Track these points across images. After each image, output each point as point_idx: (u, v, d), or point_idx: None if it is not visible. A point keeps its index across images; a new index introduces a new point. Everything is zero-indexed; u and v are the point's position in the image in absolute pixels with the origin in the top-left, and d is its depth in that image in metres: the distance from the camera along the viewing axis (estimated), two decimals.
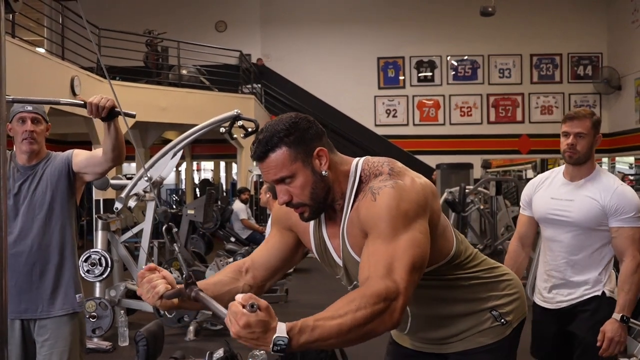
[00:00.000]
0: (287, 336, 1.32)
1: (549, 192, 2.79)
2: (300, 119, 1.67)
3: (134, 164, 14.52)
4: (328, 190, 1.68)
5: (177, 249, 2.91)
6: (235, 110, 5.74)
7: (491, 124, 15.59)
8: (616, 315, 2.58)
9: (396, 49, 15.61)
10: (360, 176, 1.69)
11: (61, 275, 2.70)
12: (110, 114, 2.47)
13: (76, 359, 2.71)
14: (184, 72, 11.92)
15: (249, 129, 5.85)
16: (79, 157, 2.75)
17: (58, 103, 2.59)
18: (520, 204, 2.98)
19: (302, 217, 1.73)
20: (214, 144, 15.13)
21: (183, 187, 19.23)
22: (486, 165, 14.79)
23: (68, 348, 2.66)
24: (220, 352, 3.97)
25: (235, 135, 6.09)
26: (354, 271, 1.76)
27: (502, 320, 1.88)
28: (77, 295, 2.75)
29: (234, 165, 23.29)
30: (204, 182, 18.31)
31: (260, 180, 13.80)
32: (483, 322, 1.88)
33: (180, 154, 6.04)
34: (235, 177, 21.76)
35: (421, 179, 1.68)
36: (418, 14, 15.41)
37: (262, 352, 4.31)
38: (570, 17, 15.22)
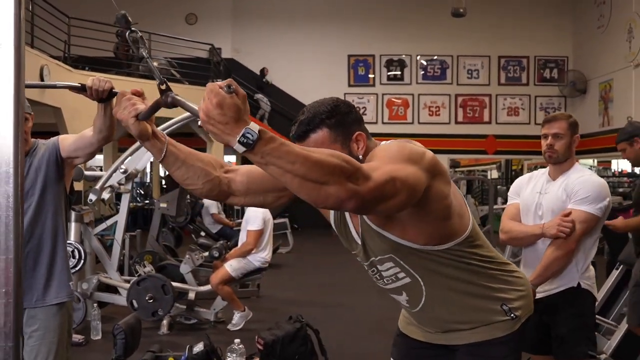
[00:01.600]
0: (257, 133, 1.28)
1: (535, 188, 2.94)
2: (342, 102, 1.73)
3: (101, 156, 14.30)
4: None
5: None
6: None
7: (459, 124, 15.80)
8: None
9: (367, 47, 15.71)
10: None
11: (54, 263, 2.67)
12: (109, 95, 2.46)
13: (64, 351, 2.67)
14: (155, 64, 11.77)
15: None
16: (66, 141, 2.72)
17: (54, 86, 2.57)
18: (509, 194, 3.09)
19: None
20: (180, 138, 14.89)
21: (148, 180, 19.02)
22: (455, 164, 14.99)
23: (57, 339, 2.63)
24: (200, 346, 3.96)
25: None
26: (374, 246, 1.82)
27: (512, 314, 1.91)
28: (70, 283, 2.73)
29: None
30: (171, 176, 18.14)
31: None
32: (494, 314, 1.91)
33: None
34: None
35: (425, 150, 1.70)
36: (389, 12, 15.52)
37: (240, 346, 4.32)
38: (537, 20, 15.50)
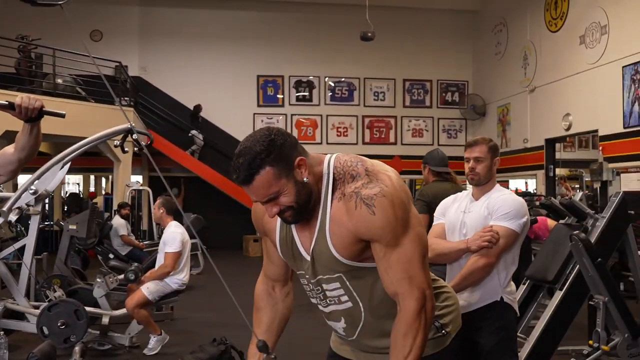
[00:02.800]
0: None
1: (460, 207, 3.07)
2: (275, 134, 1.71)
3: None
4: (310, 194, 1.76)
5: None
6: (130, 123, 5.61)
7: (366, 144, 16.13)
8: None
9: (276, 68, 15.81)
10: (334, 174, 1.79)
11: None
12: (39, 115, 2.38)
13: None
14: (59, 80, 11.41)
15: (142, 142, 5.74)
16: None
17: None
18: (435, 215, 3.20)
19: (287, 221, 1.81)
20: (87, 157, 14.53)
21: (46, 201, 18.26)
22: None
23: None
24: None
25: (127, 149, 5.93)
26: (325, 265, 1.84)
27: (443, 331, 1.97)
28: None
29: (103, 180, 22.48)
30: (73, 196, 17.50)
31: (135, 194, 13.44)
32: None
33: (67, 167, 5.81)
34: (104, 191, 20.99)
35: (390, 171, 1.81)
36: (298, 34, 15.72)
37: None
38: (440, 46, 16.11)
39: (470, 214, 2.99)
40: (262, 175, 1.67)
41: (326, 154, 1.86)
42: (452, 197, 3.22)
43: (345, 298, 1.90)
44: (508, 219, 2.88)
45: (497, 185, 3.08)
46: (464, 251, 2.92)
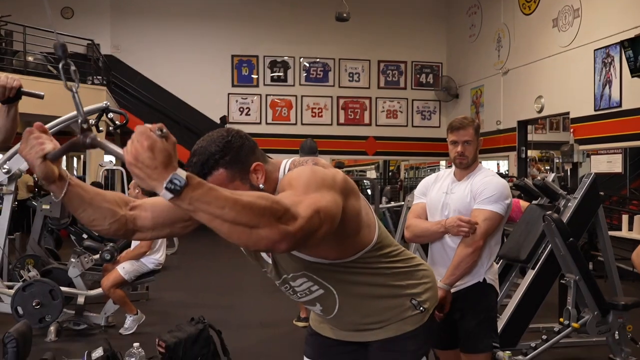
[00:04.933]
0: (185, 179, 1.28)
1: (442, 188, 3.08)
2: (233, 136, 1.67)
3: None
4: None
5: None
6: (104, 102, 5.57)
7: (340, 125, 16.15)
8: (441, 285, 2.84)
9: (250, 48, 15.72)
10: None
11: None
12: (17, 95, 2.34)
13: None
14: (30, 58, 11.21)
15: (117, 122, 5.70)
16: None
17: None
18: (416, 194, 3.22)
19: None
20: (55, 136, 14.27)
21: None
22: (340, 165, 15.31)
23: None
24: (99, 351, 3.86)
25: (102, 128, 5.90)
26: (286, 265, 1.83)
27: (421, 307, 2.00)
28: None
29: (75, 159, 22.20)
30: None
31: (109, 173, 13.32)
32: (405, 310, 1.99)
33: None
34: (75, 172, 20.73)
35: (338, 171, 1.76)
36: (273, 14, 15.62)
37: (140, 349, 4.24)
38: (415, 28, 16.17)
39: (453, 195, 3.00)
40: (214, 177, 1.62)
41: (283, 159, 1.80)
42: (433, 176, 3.22)
43: (315, 287, 1.90)
44: (492, 202, 2.90)
45: (480, 166, 3.09)
46: (442, 233, 2.95)
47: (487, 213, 2.89)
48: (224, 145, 1.64)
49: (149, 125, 1.30)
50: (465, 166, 3.02)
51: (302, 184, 1.59)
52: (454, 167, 3.10)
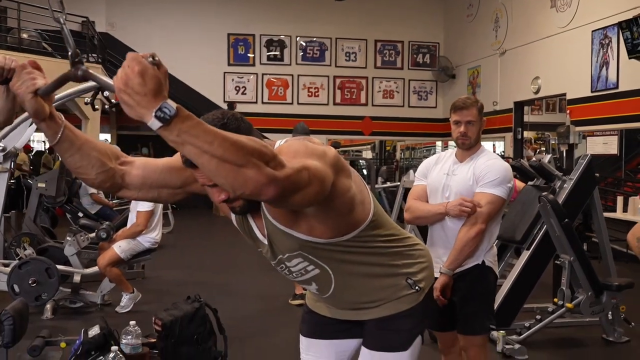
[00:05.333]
0: (175, 109, 1.27)
1: (443, 169, 3.06)
2: (229, 119, 1.66)
3: None
4: None
5: None
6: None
7: (337, 105, 16.10)
8: (444, 270, 2.88)
9: (247, 26, 15.60)
10: None
11: None
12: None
13: None
14: (25, 35, 11.12)
15: (113, 100, 5.68)
16: None
17: None
18: (417, 176, 3.20)
19: (234, 211, 1.77)
20: None
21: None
22: (336, 145, 15.28)
23: None
24: (95, 329, 3.86)
25: (97, 107, 5.86)
26: (281, 245, 1.83)
27: (417, 287, 2.01)
28: None
29: None
30: (39, 155, 17.20)
31: None
32: (400, 289, 1.99)
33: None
34: None
35: (331, 149, 1.75)
36: None
37: (136, 327, 4.25)
38: (412, 7, 16.07)
39: (455, 177, 2.98)
40: None
41: (277, 140, 1.79)
42: (434, 157, 3.20)
43: (311, 267, 1.91)
44: (495, 185, 2.88)
45: (482, 147, 3.06)
46: (443, 215, 2.93)
47: (489, 197, 2.87)
48: (220, 128, 1.61)
49: (140, 53, 1.28)
50: (468, 147, 2.99)
51: (291, 151, 1.60)
52: (456, 147, 3.08)
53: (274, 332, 5.29)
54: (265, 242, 1.86)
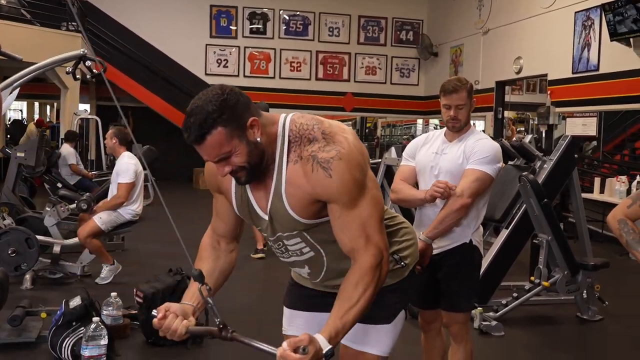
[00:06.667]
0: (331, 346, 1.62)
1: (431, 148, 3.06)
2: (228, 93, 1.67)
3: None
4: (263, 154, 1.74)
5: None
6: (82, 50, 5.48)
7: (319, 80, 16.04)
8: (422, 237, 2.87)
9: None
10: (289, 137, 1.77)
11: None
12: None
13: None
14: (3, 1, 10.90)
15: (95, 71, 5.62)
16: None
17: None
18: (404, 156, 3.18)
19: (239, 181, 1.79)
20: (27, 83, 14.03)
21: None
22: None
23: None
24: (77, 300, 3.87)
25: (78, 76, 5.80)
26: (283, 224, 1.86)
27: (402, 263, 2.05)
28: None
29: (48, 107, 21.84)
30: (16, 123, 17.00)
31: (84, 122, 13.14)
32: None
33: (16, 92, 5.66)
34: (49, 118, 20.43)
35: (347, 132, 1.79)
36: None
37: (117, 299, 4.27)
38: None
39: (445, 156, 2.98)
40: (213, 135, 1.64)
41: (281, 114, 1.83)
42: (422, 137, 3.19)
43: (307, 249, 1.94)
44: (485, 163, 2.90)
45: (473, 128, 3.07)
46: (423, 201, 2.94)
47: (478, 173, 2.89)
48: (221, 103, 1.64)
49: (285, 347, 1.59)
50: (459, 129, 3.00)
51: (349, 197, 1.75)
52: (445, 128, 3.09)
53: (258, 305, 5.33)
54: (266, 217, 1.87)
